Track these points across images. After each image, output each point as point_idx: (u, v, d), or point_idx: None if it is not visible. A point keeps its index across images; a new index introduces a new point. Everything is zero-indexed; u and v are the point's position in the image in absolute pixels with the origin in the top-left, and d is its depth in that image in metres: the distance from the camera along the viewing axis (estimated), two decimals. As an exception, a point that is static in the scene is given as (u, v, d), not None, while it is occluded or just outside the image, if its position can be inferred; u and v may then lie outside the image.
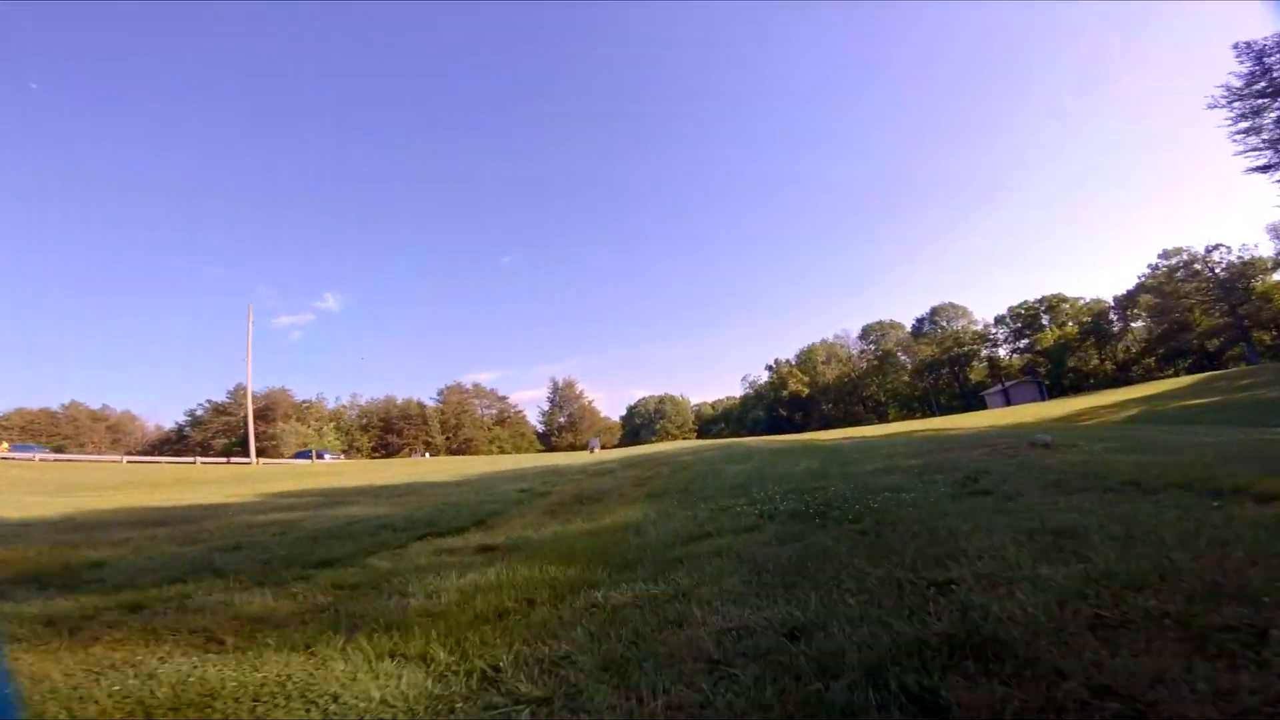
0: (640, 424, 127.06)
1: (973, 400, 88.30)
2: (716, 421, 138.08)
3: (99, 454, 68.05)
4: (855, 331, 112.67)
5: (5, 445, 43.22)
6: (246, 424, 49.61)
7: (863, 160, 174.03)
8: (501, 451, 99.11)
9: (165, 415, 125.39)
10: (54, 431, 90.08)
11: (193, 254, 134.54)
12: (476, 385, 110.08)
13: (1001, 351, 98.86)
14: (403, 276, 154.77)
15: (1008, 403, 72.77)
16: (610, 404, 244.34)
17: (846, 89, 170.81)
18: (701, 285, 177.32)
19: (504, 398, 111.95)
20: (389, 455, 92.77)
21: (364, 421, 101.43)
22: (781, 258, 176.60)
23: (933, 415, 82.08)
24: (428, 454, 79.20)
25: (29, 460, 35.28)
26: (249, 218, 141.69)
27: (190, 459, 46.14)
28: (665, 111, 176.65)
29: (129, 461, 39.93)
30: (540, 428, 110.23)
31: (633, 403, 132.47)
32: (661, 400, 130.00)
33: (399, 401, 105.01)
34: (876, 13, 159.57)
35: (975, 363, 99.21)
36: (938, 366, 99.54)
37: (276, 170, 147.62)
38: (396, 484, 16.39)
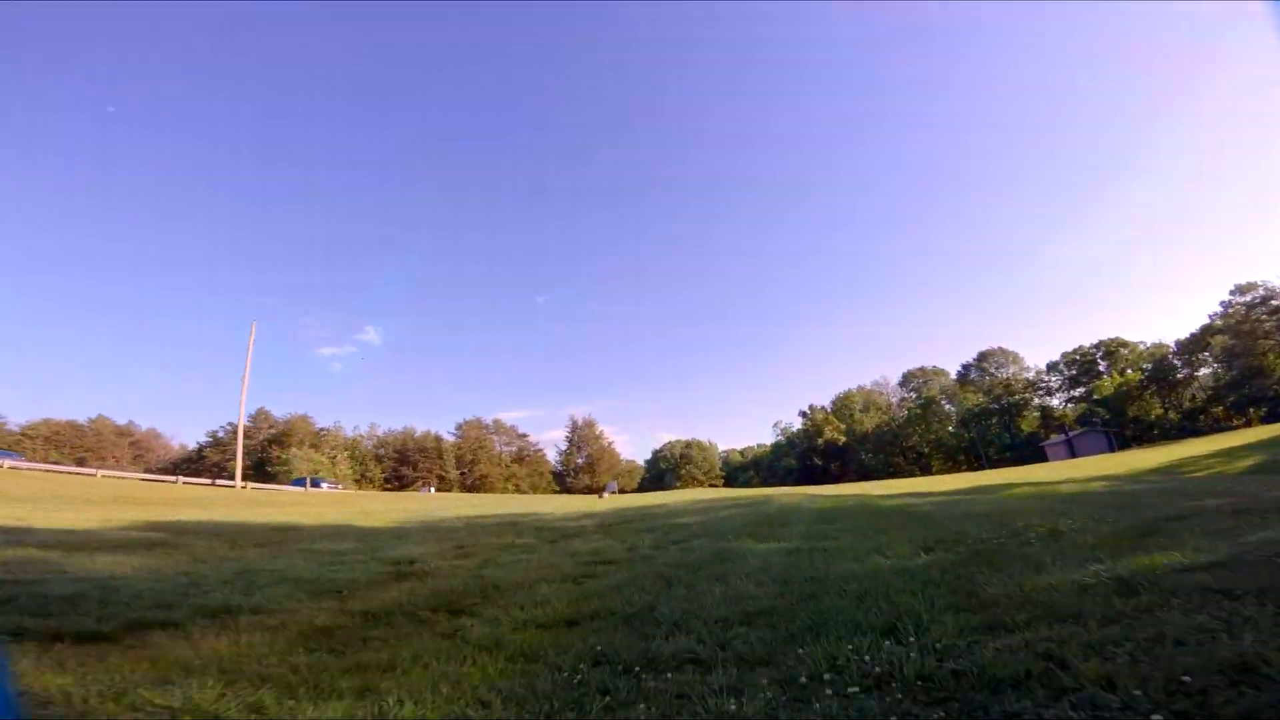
0: (664, 469, 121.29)
1: (1026, 451, 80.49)
2: (745, 469, 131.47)
3: (113, 469, 66.00)
4: (895, 378, 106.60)
5: (-37, 449, 41.17)
6: (237, 446, 46.36)
7: (903, 199, 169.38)
8: (517, 490, 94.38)
9: (195, 436, 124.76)
10: (78, 444, 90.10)
11: (242, 282, 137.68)
12: (497, 421, 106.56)
13: (1055, 400, 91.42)
14: (441, 313, 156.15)
15: (1072, 453, 65.28)
16: (636, 447, 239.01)
17: (891, 125, 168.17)
18: (733, 330, 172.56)
19: (524, 435, 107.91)
20: (401, 487, 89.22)
21: (379, 452, 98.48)
22: (815, 302, 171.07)
23: (982, 468, 75.04)
24: (433, 489, 75.02)
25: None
26: (300, 251, 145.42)
27: (173, 478, 42.95)
28: (701, 159, 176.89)
29: (104, 476, 36.81)
30: (559, 468, 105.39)
31: (658, 446, 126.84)
32: (688, 445, 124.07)
33: (417, 434, 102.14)
34: (921, 43, 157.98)
35: (1027, 412, 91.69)
36: (986, 416, 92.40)
37: (326, 208, 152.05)
38: (301, 525, 11.97)
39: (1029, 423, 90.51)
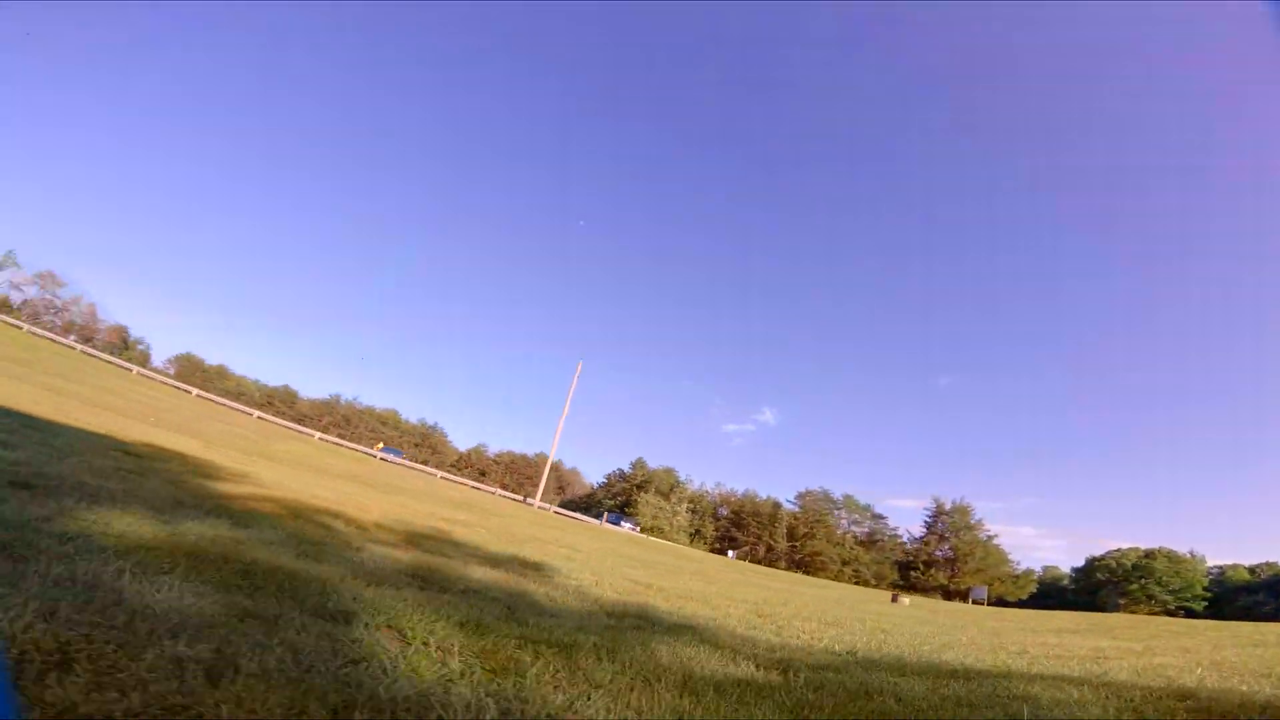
0: (1102, 580, 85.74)
1: None
2: (1251, 591, 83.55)
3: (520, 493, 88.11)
4: None
5: (380, 445, 57.10)
6: (543, 474, 53.07)
7: None
8: (856, 578, 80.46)
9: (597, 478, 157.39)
10: (523, 471, 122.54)
11: (678, 370, 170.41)
12: (848, 497, 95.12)
13: None
14: (835, 395, 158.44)
15: None
16: (1067, 552, 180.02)
17: None
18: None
19: (880, 517, 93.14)
20: (727, 549, 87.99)
21: (718, 510, 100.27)
22: None
23: None
24: (733, 553, 70.80)
25: (374, 457, 44.22)
26: (724, 350, 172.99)
27: (491, 489, 52.69)
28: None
29: (442, 477, 47.91)
30: (908, 558, 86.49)
31: (1099, 554, 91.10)
32: (1147, 554, 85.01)
33: (759, 498, 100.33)
34: None
35: None
36: None
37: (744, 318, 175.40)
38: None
39: None
